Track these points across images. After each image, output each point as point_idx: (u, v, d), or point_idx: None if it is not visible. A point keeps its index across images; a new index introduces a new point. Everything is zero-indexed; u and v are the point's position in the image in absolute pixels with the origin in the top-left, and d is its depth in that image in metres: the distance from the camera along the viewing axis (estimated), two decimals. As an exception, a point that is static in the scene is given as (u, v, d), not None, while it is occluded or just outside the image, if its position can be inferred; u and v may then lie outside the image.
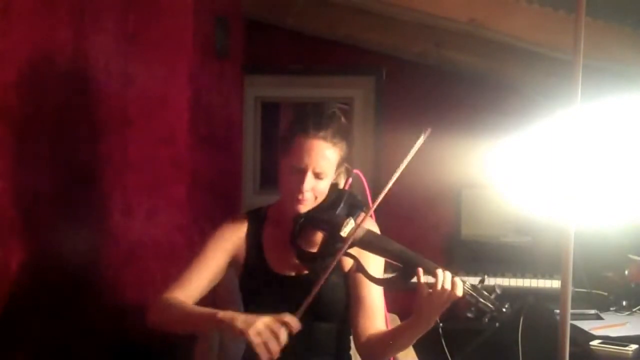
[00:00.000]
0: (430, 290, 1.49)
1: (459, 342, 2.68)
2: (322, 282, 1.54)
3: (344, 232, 1.61)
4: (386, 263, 1.72)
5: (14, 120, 1.85)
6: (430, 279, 1.51)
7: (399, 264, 1.58)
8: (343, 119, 1.68)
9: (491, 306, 1.48)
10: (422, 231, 3.68)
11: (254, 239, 1.75)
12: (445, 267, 1.60)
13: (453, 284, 1.48)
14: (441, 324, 2.31)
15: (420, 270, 1.51)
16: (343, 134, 1.65)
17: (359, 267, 1.61)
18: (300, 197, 1.63)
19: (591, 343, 2.19)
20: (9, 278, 1.86)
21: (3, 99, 1.81)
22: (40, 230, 1.99)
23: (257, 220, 1.78)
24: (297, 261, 1.69)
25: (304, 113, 1.66)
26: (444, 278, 1.48)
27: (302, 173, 1.62)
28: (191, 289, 1.68)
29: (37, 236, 1.97)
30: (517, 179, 2.88)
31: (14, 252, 1.88)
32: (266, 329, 1.45)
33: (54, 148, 2.04)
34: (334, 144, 1.63)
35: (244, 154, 3.37)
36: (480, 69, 3.47)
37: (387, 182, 1.56)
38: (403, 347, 1.68)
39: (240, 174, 3.25)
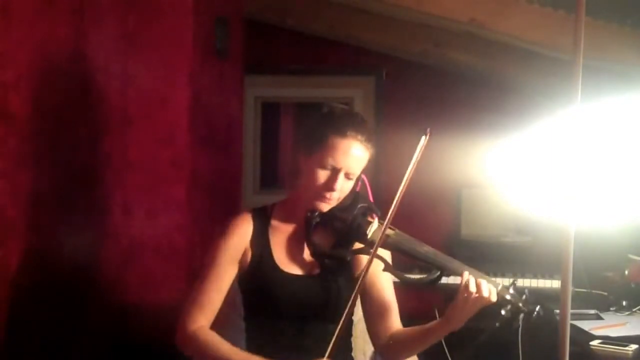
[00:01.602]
0: (466, 296, 1.51)
1: (459, 342, 2.67)
2: (353, 304, 1.55)
3: (369, 233, 1.62)
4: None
5: (14, 120, 1.85)
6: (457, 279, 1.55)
7: (432, 267, 1.60)
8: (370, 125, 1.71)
9: (524, 308, 1.54)
10: (422, 231, 3.62)
11: (261, 239, 1.72)
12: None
13: (489, 290, 1.52)
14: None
15: (465, 274, 1.54)
16: (373, 139, 1.68)
17: (387, 267, 1.62)
18: (328, 195, 1.64)
19: (591, 343, 2.19)
20: (9, 278, 1.86)
21: (3, 99, 1.81)
22: (40, 230, 1.99)
23: (263, 218, 1.75)
24: (307, 260, 1.69)
25: (336, 114, 1.67)
26: (485, 285, 1.52)
27: (335, 173, 1.63)
28: (211, 309, 1.68)
29: (37, 236, 1.97)
30: (517, 179, 2.88)
31: (14, 252, 1.88)
32: None
33: (54, 148, 2.04)
34: (367, 148, 1.65)
35: (244, 154, 3.36)
36: (480, 69, 3.47)
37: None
38: (426, 346, 1.68)
39: (240, 174, 3.24)
